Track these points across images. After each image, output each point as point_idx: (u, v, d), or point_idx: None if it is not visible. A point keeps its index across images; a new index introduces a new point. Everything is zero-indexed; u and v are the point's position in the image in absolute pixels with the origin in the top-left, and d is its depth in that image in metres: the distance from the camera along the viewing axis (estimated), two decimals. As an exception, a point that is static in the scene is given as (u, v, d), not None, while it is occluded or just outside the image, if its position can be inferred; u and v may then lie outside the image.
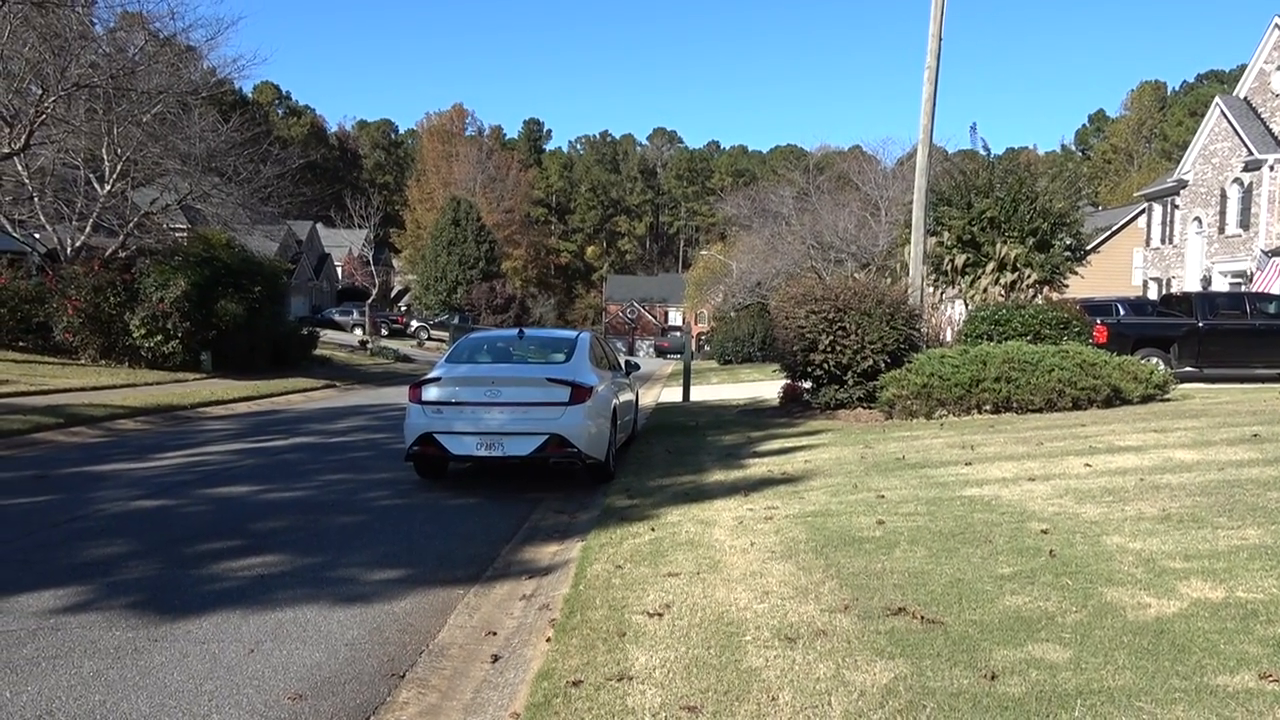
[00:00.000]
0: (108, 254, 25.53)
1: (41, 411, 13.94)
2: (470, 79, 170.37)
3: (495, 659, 4.55)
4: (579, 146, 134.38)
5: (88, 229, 25.87)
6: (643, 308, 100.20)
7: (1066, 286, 18.76)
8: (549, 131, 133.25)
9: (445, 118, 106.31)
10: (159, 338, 22.57)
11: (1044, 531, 5.84)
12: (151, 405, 16.02)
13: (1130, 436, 9.61)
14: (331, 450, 12.00)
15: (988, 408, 12.97)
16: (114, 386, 18.69)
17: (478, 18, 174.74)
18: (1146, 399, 13.36)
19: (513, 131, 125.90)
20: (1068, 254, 18.40)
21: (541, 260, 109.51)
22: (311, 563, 6.23)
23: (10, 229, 25.99)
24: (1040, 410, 12.73)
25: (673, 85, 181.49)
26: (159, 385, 20.00)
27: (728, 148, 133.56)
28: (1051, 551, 5.34)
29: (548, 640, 4.53)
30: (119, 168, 25.51)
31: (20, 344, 23.12)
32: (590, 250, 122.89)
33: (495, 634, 4.96)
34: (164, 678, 4.22)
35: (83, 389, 17.67)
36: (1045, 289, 18.23)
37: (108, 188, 25.65)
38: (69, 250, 25.58)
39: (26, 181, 24.57)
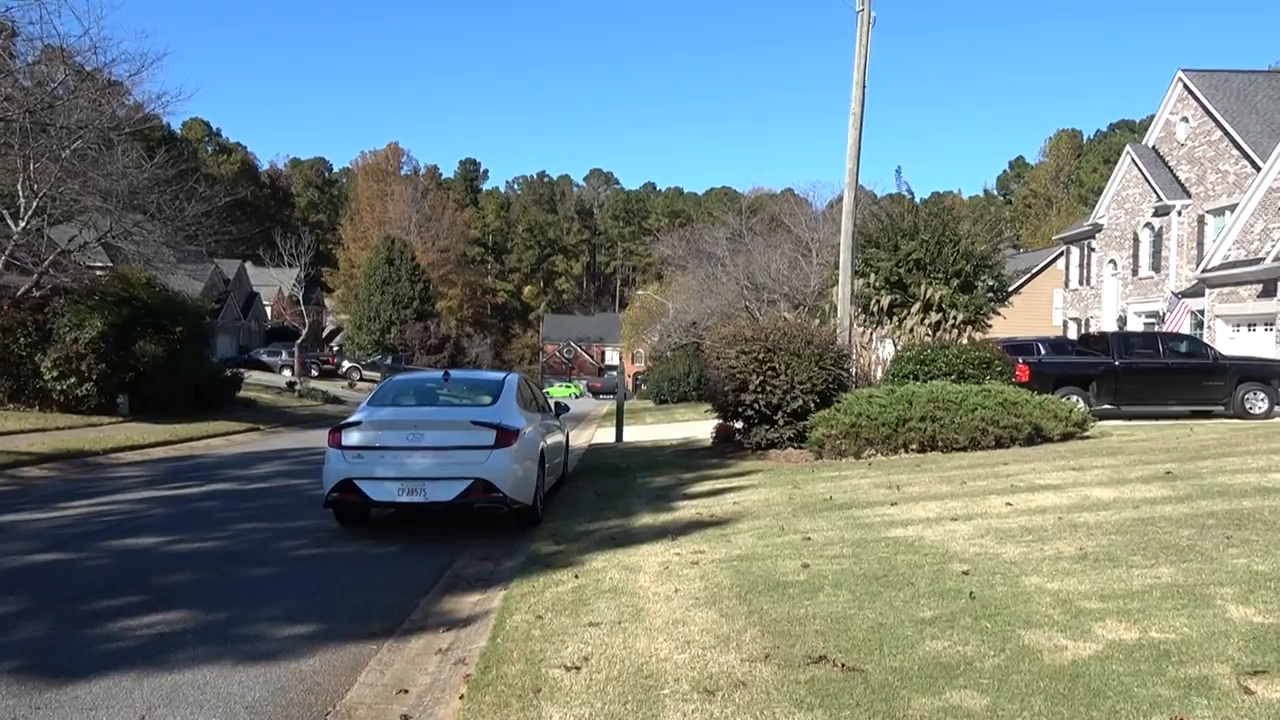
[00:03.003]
0: (20, 293, 24.50)
1: (-62, 459, 13.22)
2: (406, 118, 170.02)
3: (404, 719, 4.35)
4: (516, 186, 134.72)
5: (0, 267, 24.85)
6: (580, 347, 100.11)
7: (990, 326, 19.22)
8: (486, 172, 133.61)
9: (380, 156, 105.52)
10: (72, 380, 21.69)
11: (965, 573, 5.86)
12: (60, 451, 15.33)
13: (1050, 475, 9.80)
14: (248, 497, 11.58)
15: (914, 447, 13.13)
16: (21, 431, 17.86)
17: (414, 57, 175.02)
18: (1066, 436, 13.68)
19: (449, 171, 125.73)
20: (990, 295, 18.88)
21: (478, 300, 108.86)
22: (216, 619, 5.93)
23: (-86, 267, 24.86)
24: (965, 449, 12.94)
25: (610, 127, 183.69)
26: (70, 430, 19.18)
27: (664, 189, 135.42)
28: (972, 594, 5.36)
29: (461, 698, 4.36)
30: (35, 204, 24.63)
31: (-79, 388, 22.00)
32: (527, 290, 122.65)
33: (407, 692, 4.75)
34: (42, 750, 3.93)
35: (-14, 434, 16.85)
36: (969, 329, 18.63)
37: (22, 224, 24.71)
38: (-23, 290, 24.51)
39: (-67, 218, 23.57)
